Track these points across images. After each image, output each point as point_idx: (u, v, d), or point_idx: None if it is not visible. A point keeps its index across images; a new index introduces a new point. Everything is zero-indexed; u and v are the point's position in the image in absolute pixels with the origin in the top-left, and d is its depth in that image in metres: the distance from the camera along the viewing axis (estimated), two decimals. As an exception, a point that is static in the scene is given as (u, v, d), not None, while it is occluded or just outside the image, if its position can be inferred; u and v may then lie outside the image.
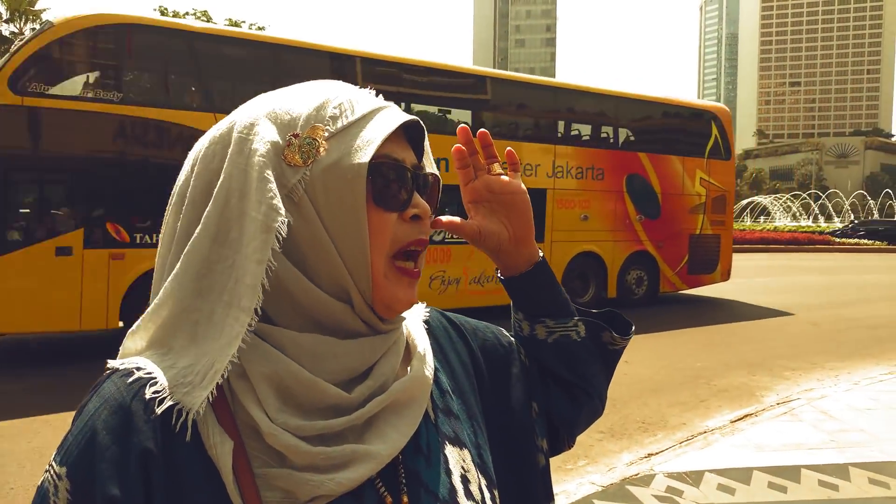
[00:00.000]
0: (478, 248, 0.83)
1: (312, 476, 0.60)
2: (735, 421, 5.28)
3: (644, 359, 7.26)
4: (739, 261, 16.13)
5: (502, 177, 0.82)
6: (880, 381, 6.46)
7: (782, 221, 51.84)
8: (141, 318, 0.66)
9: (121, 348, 0.67)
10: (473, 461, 0.74)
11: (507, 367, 0.87)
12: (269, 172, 0.62)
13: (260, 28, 53.08)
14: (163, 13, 35.67)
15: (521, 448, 0.83)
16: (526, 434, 0.84)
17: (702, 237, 12.42)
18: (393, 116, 0.67)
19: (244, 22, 52.83)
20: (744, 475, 4.04)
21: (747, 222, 49.03)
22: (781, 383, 6.63)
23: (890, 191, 64.85)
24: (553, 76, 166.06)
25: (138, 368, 0.62)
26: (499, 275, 0.86)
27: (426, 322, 0.82)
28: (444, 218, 0.77)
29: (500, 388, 0.84)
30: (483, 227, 0.81)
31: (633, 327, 0.91)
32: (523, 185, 0.83)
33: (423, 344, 0.75)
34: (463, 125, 0.81)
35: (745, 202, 64.99)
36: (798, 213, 59.03)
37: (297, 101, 0.66)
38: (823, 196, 65.70)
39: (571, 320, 0.86)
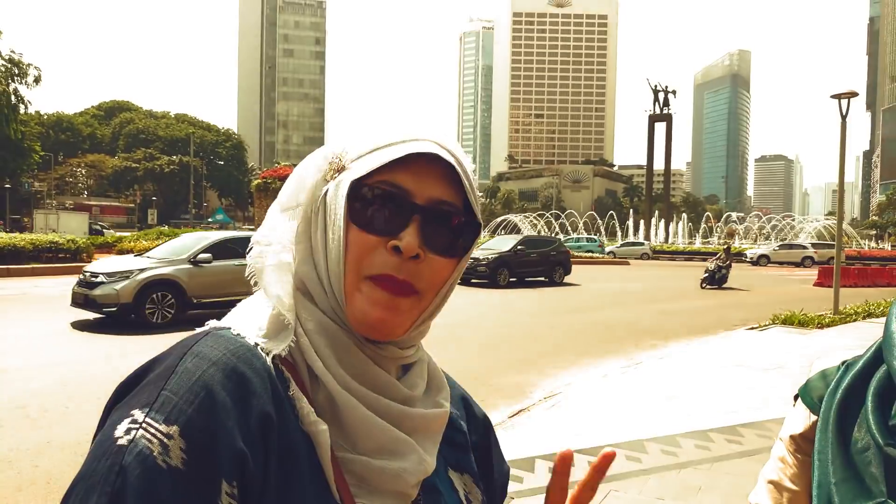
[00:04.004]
0: None
1: (385, 463, 0.66)
2: (512, 416, 5.70)
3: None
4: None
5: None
6: (622, 373, 7.46)
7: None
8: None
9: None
10: (476, 484, 0.80)
11: None
12: (312, 185, 0.72)
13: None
14: None
15: None
16: None
17: None
18: (413, 148, 0.68)
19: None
20: (528, 464, 4.37)
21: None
22: (546, 379, 7.32)
23: (613, 212, 75.67)
24: (322, 89, 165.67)
25: (238, 334, 0.66)
26: None
27: None
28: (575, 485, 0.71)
29: None
30: None
31: None
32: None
33: (440, 373, 0.81)
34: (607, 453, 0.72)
35: (499, 220, 71.02)
36: (542, 231, 65.98)
37: (371, 130, 0.73)
38: (563, 216, 74.32)
39: None
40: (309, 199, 0.71)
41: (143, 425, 0.56)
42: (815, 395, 0.96)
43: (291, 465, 0.62)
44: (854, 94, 12.14)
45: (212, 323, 0.68)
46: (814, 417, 0.94)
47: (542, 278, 21.26)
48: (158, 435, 0.55)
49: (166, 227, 35.65)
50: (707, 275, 20.62)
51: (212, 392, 0.58)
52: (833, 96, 12.32)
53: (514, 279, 20.38)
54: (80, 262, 19.55)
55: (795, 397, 1.01)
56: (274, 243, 0.72)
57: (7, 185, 53.52)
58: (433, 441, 0.73)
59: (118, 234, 33.73)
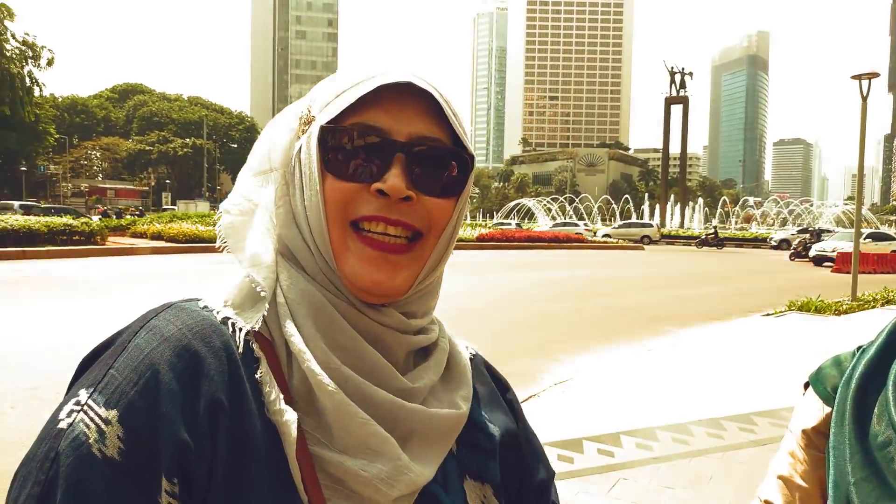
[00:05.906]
0: None
1: (362, 465, 0.56)
2: (523, 401, 5.64)
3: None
4: (510, 257, 17.44)
5: None
6: (635, 360, 7.37)
7: (544, 220, 57.14)
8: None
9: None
10: (496, 496, 0.69)
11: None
12: (284, 144, 0.65)
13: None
14: None
15: None
16: None
17: None
18: (381, 80, 0.60)
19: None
20: (537, 451, 4.32)
21: (514, 222, 53.40)
22: (556, 364, 7.26)
23: (629, 196, 75.10)
24: (335, 71, 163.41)
25: (204, 307, 0.59)
26: None
27: (471, 357, 0.77)
28: None
29: None
30: None
31: None
32: None
33: (466, 368, 0.71)
34: None
35: (512, 204, 70.76)
36: (556, 215, 65.72)
37: (334, 77, 0.65)
38: (577, 200, 73.90)
39: None
40: (283, 160, 0.64)
41: (84, 408, 0.50)
42: (828, 385, 0.86)
43: (246, 460, 0.53)
44: (875, 75, 11.85)
45: (185, 295, 0.61)
46: (827, 409, 0.85)
47: None
48: (97, 419, 0.49)
49: (178, 210, 35.86)
50: None
51: (157, 373, 0.51)
52: (853, 77, 12.03)
53: None
54: (94, 244, 19.74)
55: (806, 385, 0.92)
56: (248, 209, 0.65)
57: (23, 168, 54.04)
58: (440, 447, 0.63)
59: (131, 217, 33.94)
